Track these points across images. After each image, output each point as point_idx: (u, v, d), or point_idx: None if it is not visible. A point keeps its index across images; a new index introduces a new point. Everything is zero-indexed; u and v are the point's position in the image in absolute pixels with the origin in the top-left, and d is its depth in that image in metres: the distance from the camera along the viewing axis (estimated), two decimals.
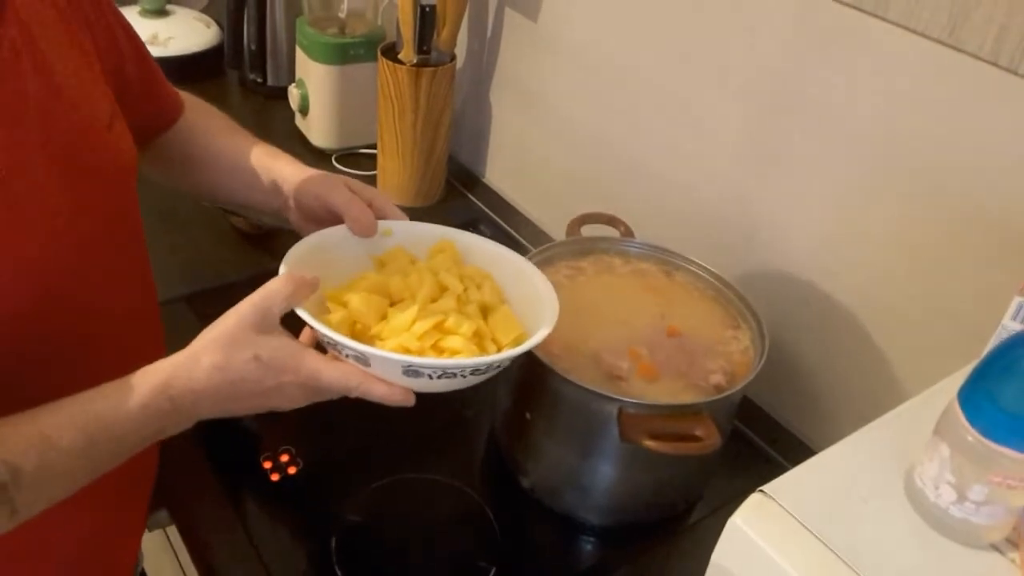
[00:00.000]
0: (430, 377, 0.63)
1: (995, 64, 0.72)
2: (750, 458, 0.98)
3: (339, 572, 0.79)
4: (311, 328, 0.64)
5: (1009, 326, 0.58)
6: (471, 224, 1.31)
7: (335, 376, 0.62)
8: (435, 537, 0.85)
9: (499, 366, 0.66)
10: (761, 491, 0.53)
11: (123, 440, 0.59)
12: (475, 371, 0.64)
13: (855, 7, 0.82)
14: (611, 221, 0.98)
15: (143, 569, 1.00)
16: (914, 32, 0.77)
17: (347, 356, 0.63)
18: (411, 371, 0.62)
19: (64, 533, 0.70)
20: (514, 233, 1.30)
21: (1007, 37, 0.71)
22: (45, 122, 0.60)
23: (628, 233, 0.97)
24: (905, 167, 0.84)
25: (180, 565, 0.94)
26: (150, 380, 0.59)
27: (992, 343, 0.59)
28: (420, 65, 1.23)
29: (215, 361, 0.60)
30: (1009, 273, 0.66)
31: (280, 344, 0.62)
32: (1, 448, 0.54)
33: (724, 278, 0.91)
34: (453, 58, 1.28)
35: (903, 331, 0.88)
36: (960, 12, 0.73)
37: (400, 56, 1.24)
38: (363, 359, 0.62)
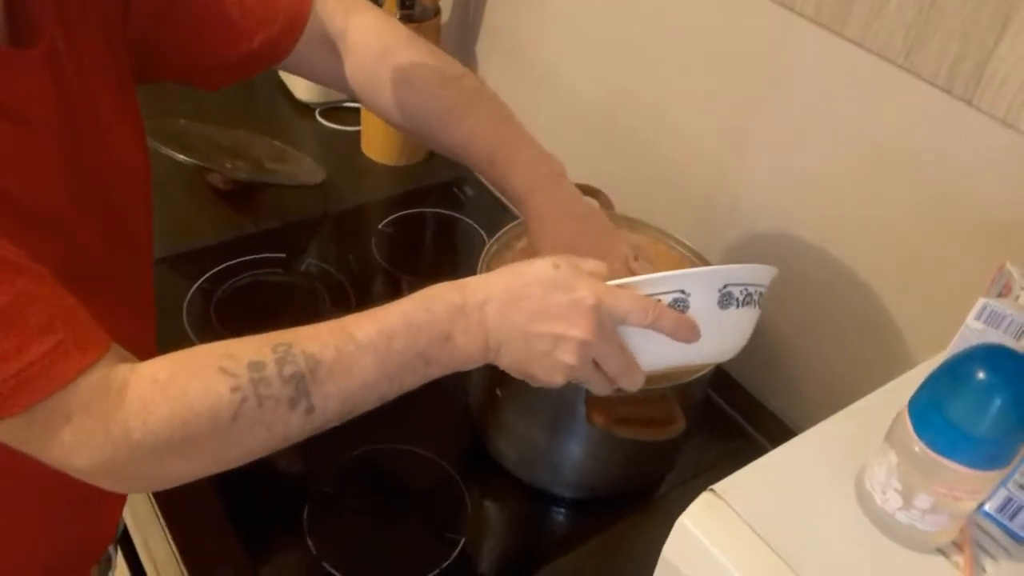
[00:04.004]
0: (737, 305, 0.61)
1: (949, 93, 0.72)
2: (722, 428, 0.99)
3: (310, 542, 0.81)
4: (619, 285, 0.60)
5: (972, 325, 0.58)
6: (455, 184, 1.30)
7: (631, 298, 0.58)
8: (406, 508, 0.86)
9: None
10: (711, 490, 0.53)
11: (416, 337, 0.57)
12: (761, 293, 0.63)
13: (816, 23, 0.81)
14: (589, 192, 0.96)
15: (125, 525, 1.02)
16: (871, 52, 0.76)
17: (660, 296, 0.60)
18: (725, 294, 0.60)
19: (47, 494, 0.70)
20: (498, 194, 1.28)
21: (961, 68, 0.70)
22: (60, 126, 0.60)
23: (607, 204, 0.96)
24: (878, 154, 0.83)
25: (162, 526, 0.96)
26: (448, 284, 0.59)
27: (955, 342, 0.58)
28: (404, 20, 1.20)
29: (513, 266, 0.60)
30: (980, 265, 0.66)
31: (578, 268, 0.59)
32: (304, 341, 0.56)
33: (700, 253, 0.90)
34: (438, 12, 1.24)
35: (877, 313, 0.88)
36: (916, 38, 0.72)
37: (383, 10, 1.21)
38: (683, 298, 0.59)
